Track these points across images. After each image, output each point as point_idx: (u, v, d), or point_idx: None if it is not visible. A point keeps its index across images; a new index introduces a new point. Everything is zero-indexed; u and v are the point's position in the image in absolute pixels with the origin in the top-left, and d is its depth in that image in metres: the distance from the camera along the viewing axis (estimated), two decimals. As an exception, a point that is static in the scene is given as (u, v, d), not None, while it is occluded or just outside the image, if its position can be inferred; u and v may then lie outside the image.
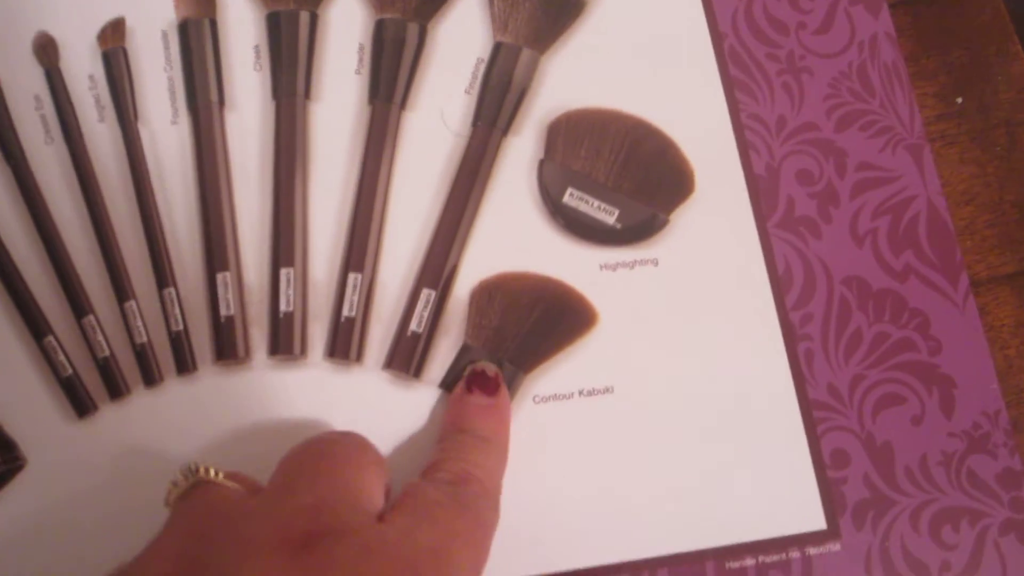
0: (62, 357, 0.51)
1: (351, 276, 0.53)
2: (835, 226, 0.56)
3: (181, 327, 0.52)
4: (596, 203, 0.55)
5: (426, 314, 0.53)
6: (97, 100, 0.55)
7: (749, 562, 0.52)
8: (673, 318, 0.55)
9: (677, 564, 0.51)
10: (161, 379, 0.52)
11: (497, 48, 0.57)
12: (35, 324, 0.51)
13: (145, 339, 0.51)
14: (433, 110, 0.57)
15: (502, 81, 0.56)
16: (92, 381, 0.51)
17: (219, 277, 0.52)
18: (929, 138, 0.58)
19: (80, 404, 0.51)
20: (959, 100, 0.60)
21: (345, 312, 0.52)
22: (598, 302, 0.55)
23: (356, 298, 0.53)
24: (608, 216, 0.55)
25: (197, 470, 0.43)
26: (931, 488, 0.53)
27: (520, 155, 0.57)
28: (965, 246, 0.57)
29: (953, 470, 0.53)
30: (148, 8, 0.56)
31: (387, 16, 0.56)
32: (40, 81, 0.55)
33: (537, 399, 0.53)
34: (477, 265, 0.55)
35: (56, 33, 0.56)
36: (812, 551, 0.52)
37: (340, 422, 0.52)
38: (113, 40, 0.55)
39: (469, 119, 0.57)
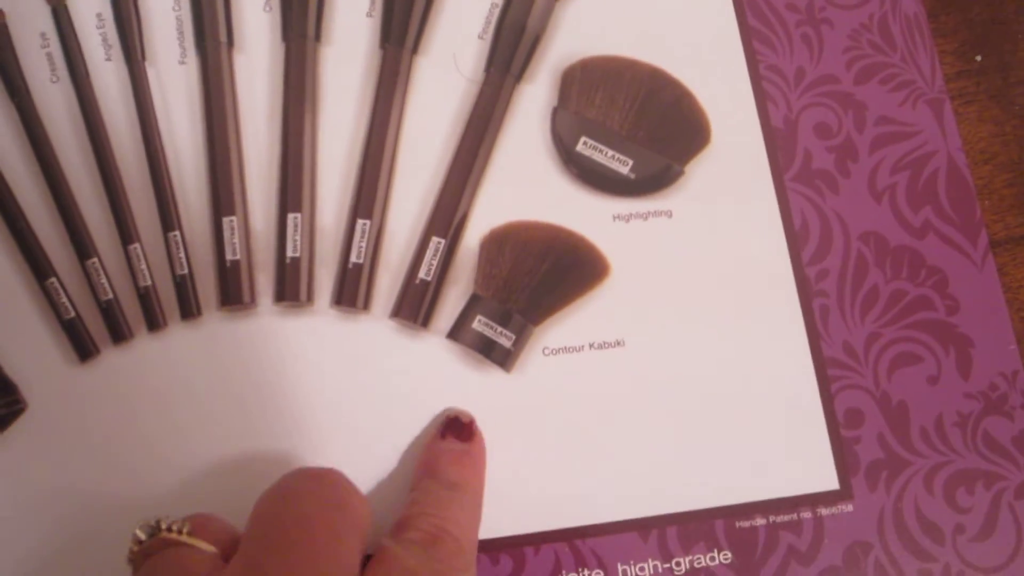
0: (65, 299, 0.49)
1: (359, 223, 0.50)
2: (853, 180, 0.54)
3: (186, 271, 0.50)
4: (610, 152, 0.52)
5: (435, 263, 0.50)
6: (104, 39, 0.53)
7: (760, 522, 0.50)
8: (686, 271, 0.52)
9: (686, 522, 0.49)
10: (165, 324, 0.50)
11: (512, -8, 0.54)
12: (38, 265, 0.49)
13: (149, 283, 0.49)
14: (446, 55, 0.54)
15: (516, 26, 0.54)
16: (95, 325, 0.50)
17: (225, 221, 0.50)
18: (948, 96, 0.55)
19: (82, 347, 0.49)
20: (978, 58, 0.58)
21: (353, 259, 0.50)
22: (610, 253, 0.53)
23: (364, 245, 0.50)
24: (622, 166, 0.52)
25: (159, 527, 0.40)
26: (946, 449, 0.51)
27: (533, 102, 0.54)
28: (983, 206, 0.55)
29: (969, 431, 0.51)
30: (157, -55, 0.54)
31: (401, -42, 0.54)
32: (47, 18, 0.53)
33: (546, 351, 0.51)
34: (488, 214, 0.53)
35: (63, -31, 0.53)
36: (824, 511, 0.50)
37: (346, 371, 0.50)
38: (121, -23, 0.52)
39: (482, 65, 0.54)
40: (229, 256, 0.50)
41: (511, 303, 0.50)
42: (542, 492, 0.50)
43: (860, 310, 0.53)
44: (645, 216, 0.53)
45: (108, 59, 0.53)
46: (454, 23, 0.55)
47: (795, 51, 0.56)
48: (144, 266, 0.50)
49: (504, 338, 0.50)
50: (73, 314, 0.49)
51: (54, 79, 0.52)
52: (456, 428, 0.49)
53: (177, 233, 0.50)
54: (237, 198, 0.51)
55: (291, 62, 0.53)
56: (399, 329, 0.51)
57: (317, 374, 0.50)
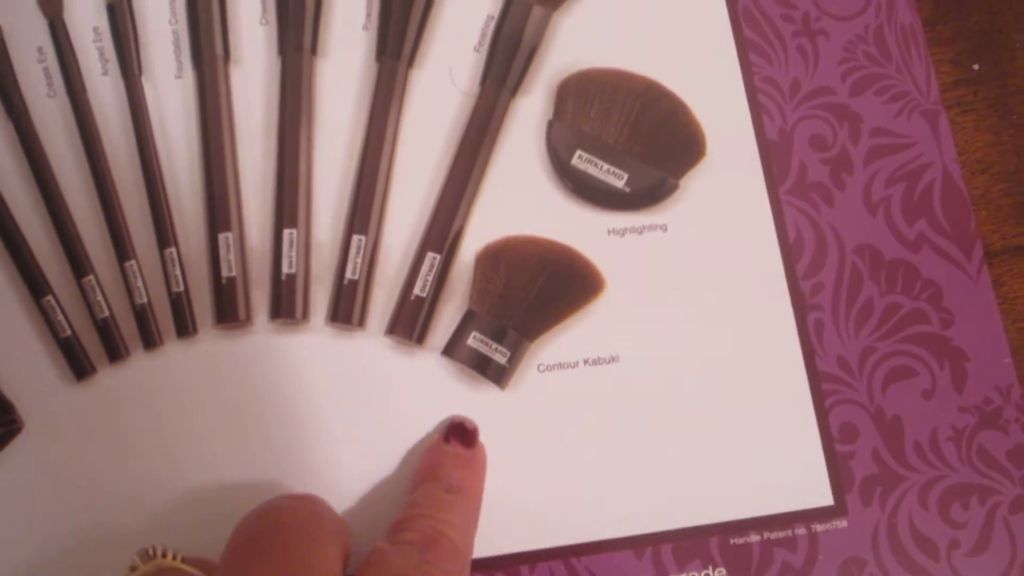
0: (61, 317, 0.48)
1: (355, 238, 0.50)
2: (848, 193, 0.53)
3: (182, 288, 0.49)
4: (605, 166, 0.51)
5: (430, 278, 0.49)
6: (101, 53, 0.52)
7: (754, 538, 0.49)
8: (681, 286, 0.52)
9: (681, 539, 0.48)
10: (161, 342, 0.49)
11: (508, 5, 0.54)
12: (34, 283, 0.49)
13: (145, 300, 0.49)
14: (441, 67, 0.53)
15: (512, 39, 0.52)
16: (91, 343, 0.49)
17: (221, 237, 0.49)
18: (945, 105, 0.55)
19: (78, 366, 0.48)
20: (976, 67, 0.56)
21: (348, 275, 0.49)
22: (605, 268, 0.51)
23: (360, 261, 0.49)
24: (617, 180, 0.51)
25: (154, 554, 0.41)
26: (940, 464, 0.50)
27: (529, 116, 0.53)
28: (980, 216, 0.53)
29: (963, 446, 0.50)
30: (153, -40, 0.53)
31: (396, -29, 0.53)
32: (44, 33, 0.52)
33: (541, 367, 0.50)
34: (483, 229, 0.52)
35: (59, -16, 0.52)
36: (818, 527, 0.49)
37: (341, 388, 0.49)
38: (118, -9, 0.52)
39: (478, 78, 0.53)
40: (225, 273, 0.49)
41: (506, 319, 0.49)
42: (537, 510, 0.49)
43: (855, 324, 0.51)
44: (640, 230, 0.52)
45: (105, 73, 0.51)
46: (450, 36, 0.54)
47: (790, 63, 0.54)
48: (140, 283, 0.49)
49: (499, 355, 0.49)
50: (69, 332, 0.48)
51: (51, 94, 0.51)
52: (460, 433, 0.48)
53: (173, 250, 0.49)
54: (233, 214, 0.50)
55: (287, 76, 0.52)
56: (394, 346, 0.50)
57: (313, 391, 0.49)
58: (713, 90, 0.54)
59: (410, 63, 0.52)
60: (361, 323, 0.50)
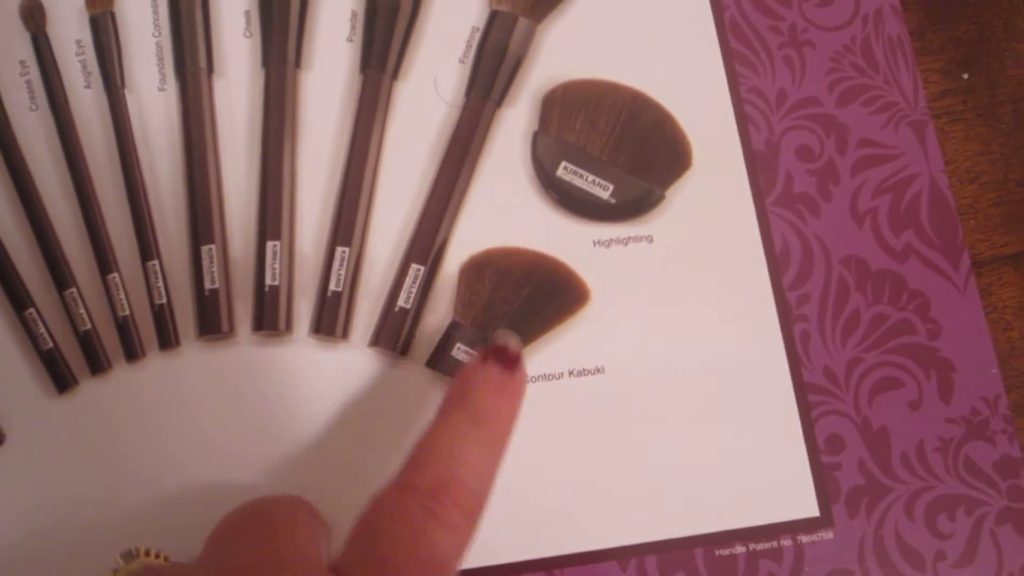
0: (43, 330, 0.48)
1: (339, 250, 0.50)
2: (835, 204, 0.53)
3: (164, 300, 0.49)
4: (591, 177, 0.51)
5: (414, 290, 0.50)
6: (84, 66, 0.52)
7: (739, 549, 0.49)
8: (667, 297, 0.52)
9: (665, 551, 0.49)
10: (143, 354, 0.49)
11: (492, 17, 0.54)
12: (16, 295, 0.49)
13: (128, 312, 0.49)
14: (426, 78, 0.53)
15: (497, 51, 0.53)
16: (73, 355, 0.49)
17: (204, 249, 0.49)
18: (934, 114, 0.55)
19: (60, 379, 0.48)
20: (965, 76, 0.56)
21: (332, 287, 0.49)
22: (591, 279, 0.52)
23: (343, 273, 0.50)
24: (603, 191, 0.51)
25: (138, 554, 0.41)
26: (927, 475, 0.50)
27: (514, 127, 0.53)
28: (969, 225, 0.54)
29: (950, 457, 0.51)
30: (137, -28, 0.53)
31: (380, -17, 0.53)
32: (26, 46, 0.52)
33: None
34: (467, 240, 0.52)
35: (42, -3, 0.52)
36: (804, 539, 0.49)
37: (324, 400, 0.49)
38: (101, 5, 0.52)
39: (462, 89, 0.53)
40: (208, 285, 0.49)
41: (490, 330, 0.50)
42: (521, 521, 0.49)
43: (841, 335, 0.52)
44: (625, 241, 0.52)
45: (88, 86, 0.52)
46: (435, 47, 0.54)
47: (777, 73, 0.55)
48: (123, 296, 0.49)
49: (483, 366, 0.49)
50: (51, 345, 0.48)
51: (33, 107, 0.51)
52: (501, 355, 0.44)
53: (156, 262, 0.50)
54: (216, 226, 0.50)
55: (271, 88, 0.52)
56: (378, 358, 0.50)
57: (296, 403, 0.49)
58: (699, 101, 0.54)
59: (394, 75, 0.53)
60: (345, 335, 0.50)
